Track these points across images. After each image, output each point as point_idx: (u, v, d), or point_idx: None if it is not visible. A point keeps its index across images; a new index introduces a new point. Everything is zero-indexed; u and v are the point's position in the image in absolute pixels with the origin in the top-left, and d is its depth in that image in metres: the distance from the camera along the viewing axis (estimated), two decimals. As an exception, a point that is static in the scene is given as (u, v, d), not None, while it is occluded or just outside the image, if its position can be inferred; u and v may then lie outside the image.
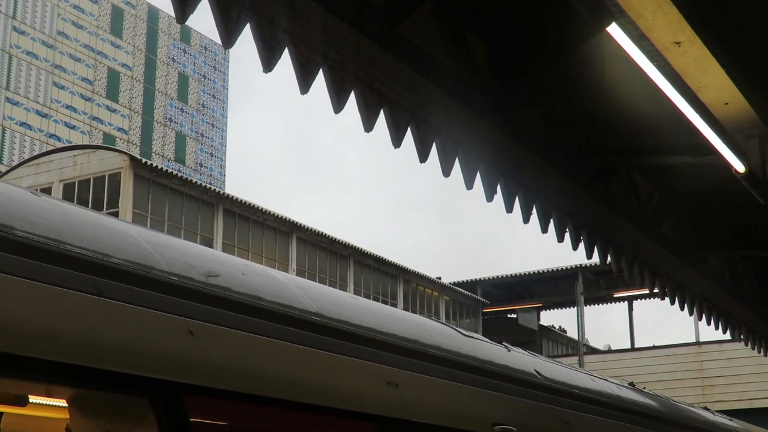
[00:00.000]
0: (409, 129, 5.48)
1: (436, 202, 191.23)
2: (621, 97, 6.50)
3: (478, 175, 6.20)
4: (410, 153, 5.68)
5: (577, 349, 32.86)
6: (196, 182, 26.14)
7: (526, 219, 6.82)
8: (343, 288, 27.69)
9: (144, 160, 24.83)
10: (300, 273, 26.48)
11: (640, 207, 8.36)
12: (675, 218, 9.15)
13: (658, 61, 5.36)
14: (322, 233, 28.81)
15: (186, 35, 61.95)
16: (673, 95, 5.77)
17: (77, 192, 25.20)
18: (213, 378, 3.31)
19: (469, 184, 6.14)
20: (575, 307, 32.58)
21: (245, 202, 26.46)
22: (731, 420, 12.11)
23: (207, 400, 3.26)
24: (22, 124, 50.09)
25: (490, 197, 6.39)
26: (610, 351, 34.05)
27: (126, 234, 3.58)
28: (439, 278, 34.13)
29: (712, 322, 10.88)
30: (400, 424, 4.30)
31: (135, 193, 23.97)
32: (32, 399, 4.14)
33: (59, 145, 44.49)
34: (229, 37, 4.23)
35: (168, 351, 3.18)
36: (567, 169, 6.93)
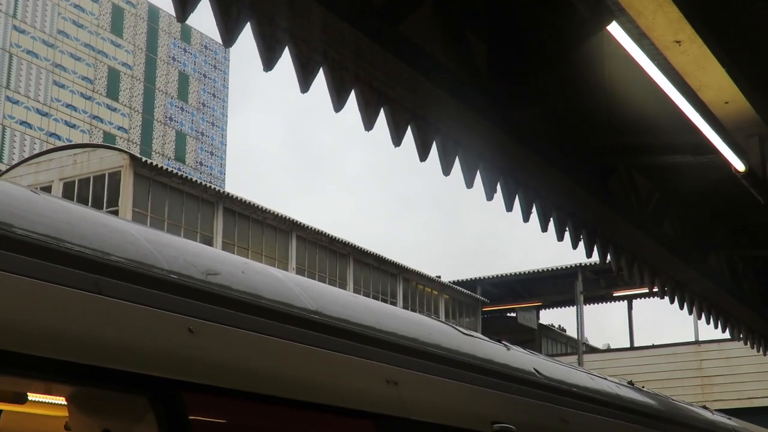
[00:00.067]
0: (409, 128, 5.48)
1: (436, 202, 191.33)
2: (621, 96, 6.50)
3: (478, 174, 6.20)
4: (410, 152, 5.69)
5: (576, 348, 32.86)
6: (196, 181, 26.13)
7: (525, 218, 6.82)
8: (343, 287, 27.69)
9: (144, 159, 24.84)
10: (300, 271, 26.48)
11: (640, 206, 8.36)
12: (675, 217, 9.15)
13: (659, 60, 5.36)
14: (321, 232, 28.82)
15: (186, 34, 61.94)
16: (673, 94, 5.77)
17: (77, 191, 25.20)
18: (212, 376, 3.31)
19: (469, 183, 6.14)
20: (575, 306, 32.57)
21: (245, 201, 26.46)
22: (730, 419, 12.11)
23: (206, 398, 3.26)
24: (23, 122, 50.09)
25: (490, 196, 6.39)
26: (609, 350, 34.05)
27: (126, 232, 3.58)
28: (439, 277, 34.14)
29: (712, 321, 10.88)
30: (400, 423, 4.30)
31: (135, 191, 23.97)
32: (31, 397, 4.15)
33: (59, 143, 44.51)
34: (229, 35, 4.24)
35: (167, 349, 3.18)
36: (567, 168, 6.93)
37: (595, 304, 34.68)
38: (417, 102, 5.42)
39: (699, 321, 11.50)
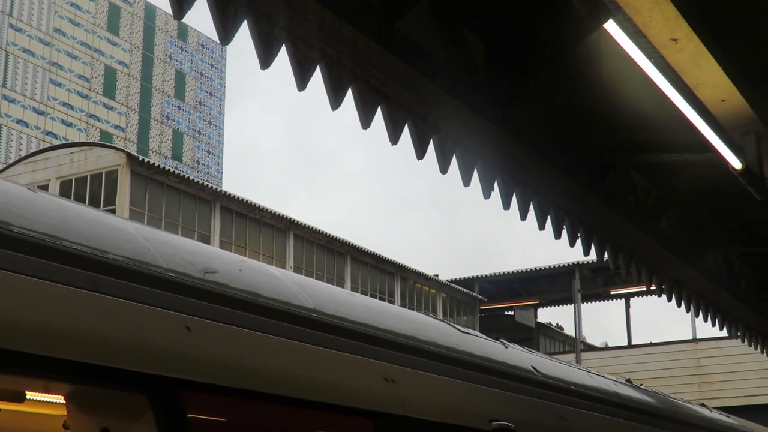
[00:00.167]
0: (406, 126, 5.48)
1: (434, 201, 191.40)
2: (618, 94, 6.50)
3: (476, 172, 6.20)
4: (409, 151, 5.69)
5: (574, 346, 32.88)
6: (194, 180, 26.12)
7: (523, 216, 6.82)
8: (341, 285, 27.68)
9: (141, 158, 24.82)
10: (297, 270, 26.47)
11: (638, 204, 8.36)
12: (672, 215, 9.16)
13: (655, 58, 5.36)
14: (319, 230, 28.82)
15: (183, 33, 61.88)
16: (670, 92, 5.77)
17: (74, 189, 25.18)
18: (210, 374, 3.31)
19: (467, 182, 6.14)
20: (572, 305, 32.60)
21: (242, 200, 26.45)
22: (728, 416, 12.13)
23: (204, 396, 3.26)
24: (19, 121, 50.02)
25: (487, 194, 6.39)
26: (607, 348, 34.10)
27: (123, 230, 3.58)
28: (437, 275, 34.14)
29: (709, 319, 10.90)
30: (398, 420, 4.31)
31: (132, 190, 23.95)
32: (29, 395, 4.14)
33: (56, 142, 44.47)
34: (226, 34, 4.23)
35: (165, 347, 3.18)
36: (564, 166, 6.93)
37: (593, 302, 34.73)
38: (414, 100, 5.42)
39: (697, 319, 11.51)
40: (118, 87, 56.47)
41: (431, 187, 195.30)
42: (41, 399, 4.30)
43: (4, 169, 28.19)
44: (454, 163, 5.97)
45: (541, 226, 7.10)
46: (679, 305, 10.02)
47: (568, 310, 35.29)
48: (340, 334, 4.25)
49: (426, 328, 5.40)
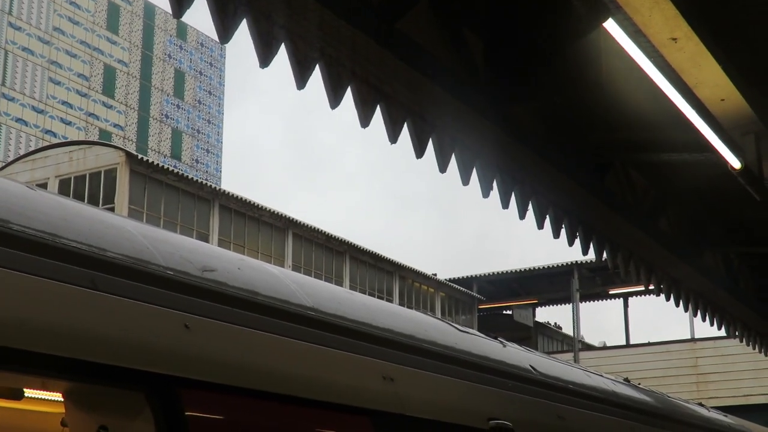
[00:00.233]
0: (405, 125, 5.48)
1: (434, 200, 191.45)
2: (617, 93, 6.50)
3: (475, 171, 6.20)
4: (408, 150, 5.68)
5: (572, 345, 32.90)
6: (192, 178, 26.12)
7: (522, 215, 6.82)
8: (339, 284, 27.67)
9: (140, 156, 24.83)
10: (296, 269, 26.47)
11: (636, 203, 8.36)
12: (671, 214, 9.16)
13: (655, 57, 5.36)
14: (317, 229, 28.83)
15: (182, 31, 61.87)
16: (669, 91, 5.77)
17: (73, 188, 25.18)
18: (209, 372, 3.31)
19: (466, 181, 6.14)
20: (571, 304, 32.62)
21: (241, 198, 26.45)
22: (726, 416, 12.14)
23: (203, 394, 3.26)
24: (18, 120, 50.01)
25: (486, 193, 6.39)
26: (605, 347, 34.14)
27: (122, 228, 3.58)
28: (435, 275, 34.15)
29: (707, 318, 10.90)
30: (396, 419, 4.31)
31: (131, 189, 23.95)
32: (28, 393, 4.14)
33: (55, 141, 44.48)
34: (225, 32, 4.23)
35: (164, 345, 3.18)
36: (563, 165, 6.93)
37: (591, 301, 34.75)
38: (414, 99, 5.42)
39: (695, 318, 11.51)
40: (118, 86, 56.46)
41: (430, 186, 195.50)
42: (39, 396, 4.30)
43: (4, 168, 28.18)
44: (453, 163, 5.97)
45: (540, 226, 7.09)
46: (677, 304, 10.02)
47: (566, 309, 35.30)
48: (339, 333, 4.26)
49: (424, 326, 5.40)
